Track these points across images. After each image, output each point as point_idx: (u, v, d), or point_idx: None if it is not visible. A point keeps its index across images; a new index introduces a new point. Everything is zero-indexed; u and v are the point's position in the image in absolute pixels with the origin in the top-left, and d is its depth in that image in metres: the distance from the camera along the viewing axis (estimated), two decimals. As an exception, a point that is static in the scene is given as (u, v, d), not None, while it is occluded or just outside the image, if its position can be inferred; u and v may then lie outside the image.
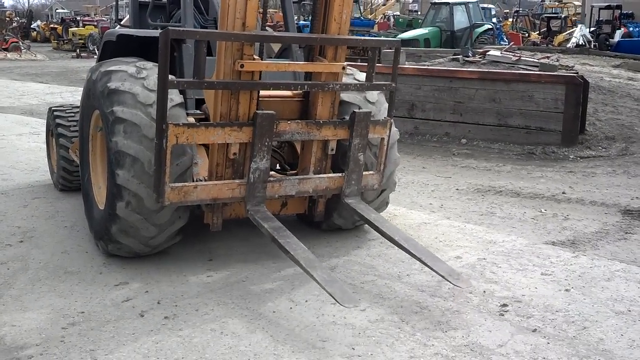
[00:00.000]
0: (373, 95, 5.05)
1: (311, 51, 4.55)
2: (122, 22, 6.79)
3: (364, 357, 3.37)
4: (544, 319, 3.81)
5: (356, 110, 4.54)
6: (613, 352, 3.41)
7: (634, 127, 10.45)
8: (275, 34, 5.27)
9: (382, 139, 4.69)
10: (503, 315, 3.87)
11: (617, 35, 27.41)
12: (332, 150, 4.57)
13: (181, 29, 4.63)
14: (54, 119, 6.73)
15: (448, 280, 3.91)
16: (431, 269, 4.00)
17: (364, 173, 4.63)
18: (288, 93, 4.73)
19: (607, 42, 26.82)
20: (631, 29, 29.51)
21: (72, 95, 15.68)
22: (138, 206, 4.21)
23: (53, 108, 6.96)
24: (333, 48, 4.44)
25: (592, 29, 28.98)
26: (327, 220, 5.16)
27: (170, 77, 3.89)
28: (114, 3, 6.45)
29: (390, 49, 4.78)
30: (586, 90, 10.01)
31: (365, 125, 4.47)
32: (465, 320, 3.79)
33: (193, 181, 4.30)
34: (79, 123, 5.22)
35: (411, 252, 4.12)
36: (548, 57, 14.55)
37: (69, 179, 6.63)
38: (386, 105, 4.98)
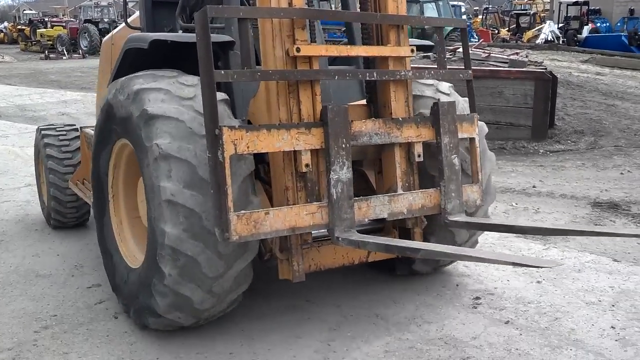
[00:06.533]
0: (443, 87, 4.19)
1: (368, 39, 3.78)
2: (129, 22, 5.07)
3: (339, 353, 3.39)
4: (516, 311, 3.86)
5: (436, 101, 3.76)
6: (584, 342, 3.46)
7: (602, 121, 10.62)
8: (331, 10, 4.55)
9: (472, 139, 3.84)
10: (476, 307, 3.91)
11: (585, 31, 27.82)
12: (419, 156, 3.69)
13: (220, 6, 3.58)
14: (42, 138, 5.60)
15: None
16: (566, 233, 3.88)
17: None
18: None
19: (575, 38, 27.18)
20: (598, 24, 29.96)
21: (42, 97, 15.49)
22: (193, 273, 3.22)
23: (41, 127, 5.87)
24: (395, 30, 3.70)
25: (560, 25, 29.36)
26: (406, 265, 4.26)
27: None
28: (122, 2, 5.17)
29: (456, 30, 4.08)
30: (555, 86, 10.15)
31: (452, 119, 3.66)
32: (439, 314, 3.82)
33: None
34: (92, 153, 4.09)
35: (543, 227, 3.82)
36: (517, 54, 14.67)
37: (63, 212, 5.45)
38: (461, 99, 4.16)
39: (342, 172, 3.28)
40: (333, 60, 4.41)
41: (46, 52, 33.02)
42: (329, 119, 3.25)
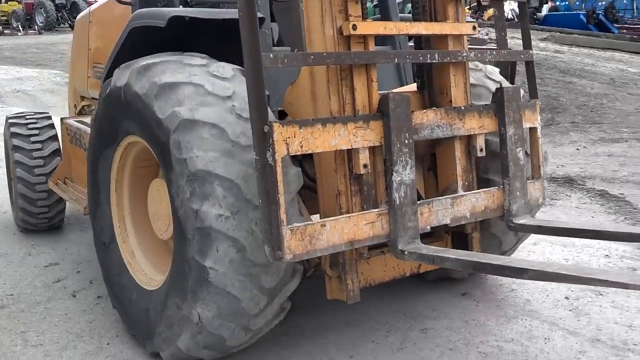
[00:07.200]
0: (492, 71, 3.76)
1: (421, 14, 3.24)
2: None
3: (299, 327, 3.41)
4: (473, 283, 3.93)
5: (498, 87, 3.24)
6: (539, 312, 3.55)
7: (560, 97, 10.80)
8: None
9: (534, 129, 3.35)
10: (435, 281, 3.97)
11: (545, 10, 28.10)
12: (482, 150, 3.19)
13: None
14: (9, 127, 4.97)
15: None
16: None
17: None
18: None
19: (535, 16, 27.43)
20: (558, 3, 30.28)
21: (-4, 74, 15.12)
22: (231, 310, 2.70)
23: (9, 116, 5.19)
24: (453, 4, 3.18)
25: (520, 3, 29.61)
26: (440, 270, 3.74)
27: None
28: None
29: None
30: (514, 64, 10.24)
31: (517, 107, 3.17)
32: (398, 287, 3.87)
33: None
34: (88, 147, 3.54)
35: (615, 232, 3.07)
36: (478, 32, 14.83)
37: (33, 212, 4.80)
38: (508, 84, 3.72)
39: (405, 173, 2.78)
40: None
41: (0, 27, 32.16)
42: (391, 110, 2.73)
